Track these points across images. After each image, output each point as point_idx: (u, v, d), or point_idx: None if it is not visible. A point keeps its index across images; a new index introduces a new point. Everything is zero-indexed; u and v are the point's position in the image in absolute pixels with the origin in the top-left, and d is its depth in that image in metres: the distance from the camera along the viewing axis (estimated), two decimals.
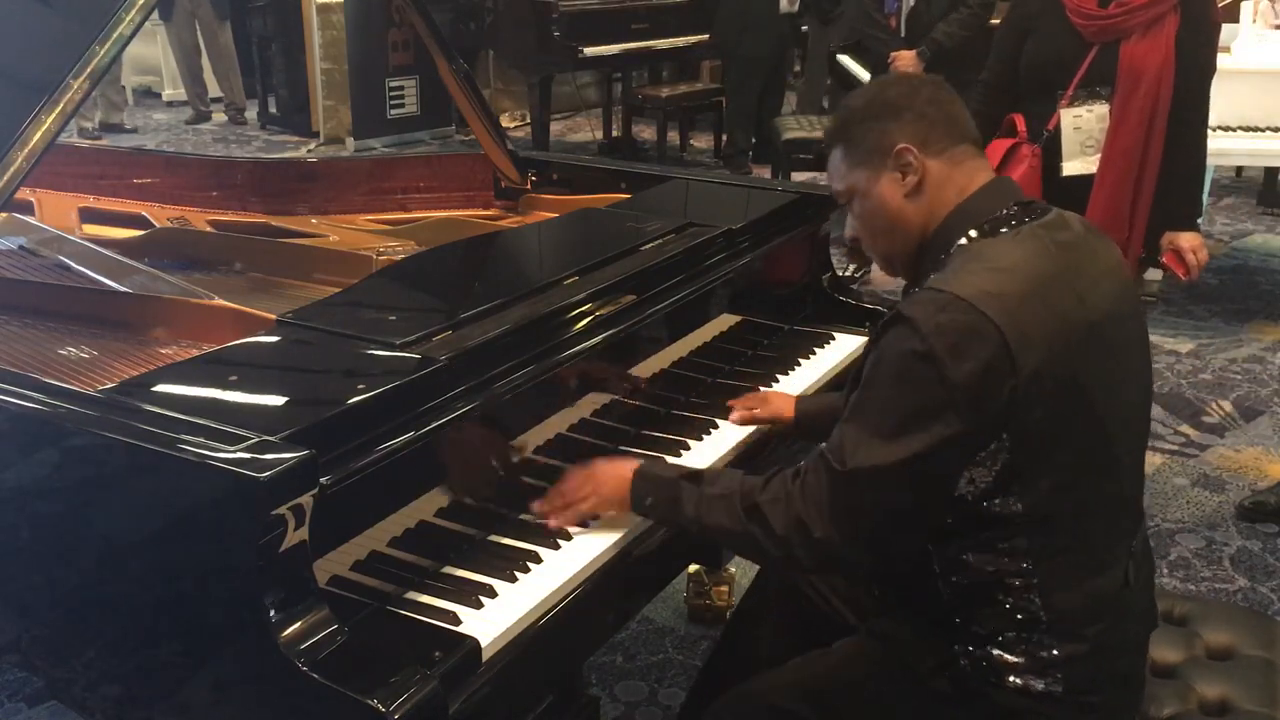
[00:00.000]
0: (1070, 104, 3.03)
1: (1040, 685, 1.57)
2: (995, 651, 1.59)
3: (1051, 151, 3.08)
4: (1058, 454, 1.54)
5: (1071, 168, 3.07)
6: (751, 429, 2.11)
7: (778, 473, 1.64)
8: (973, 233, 1.61)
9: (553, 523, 1.75)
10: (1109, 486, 1.62)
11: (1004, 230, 1.60)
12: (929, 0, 4.93)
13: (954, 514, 1.57)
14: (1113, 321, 1.60)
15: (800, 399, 2.14)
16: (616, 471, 1.78)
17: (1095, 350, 1.57)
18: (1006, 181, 1.69)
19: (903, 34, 4.98)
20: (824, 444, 1.60)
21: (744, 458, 2.06)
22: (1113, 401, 1.59)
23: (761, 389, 2.24)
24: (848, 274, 2.72)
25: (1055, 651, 1.57)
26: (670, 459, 1.93)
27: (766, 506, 1.60)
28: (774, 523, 1.59)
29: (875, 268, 5.41)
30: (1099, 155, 3.03)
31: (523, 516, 1.79)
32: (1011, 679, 1.58)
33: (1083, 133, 3.04)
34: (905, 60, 4.89)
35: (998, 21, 3.31)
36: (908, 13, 4.97)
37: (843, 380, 2.38)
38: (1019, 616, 1.57)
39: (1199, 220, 3.11)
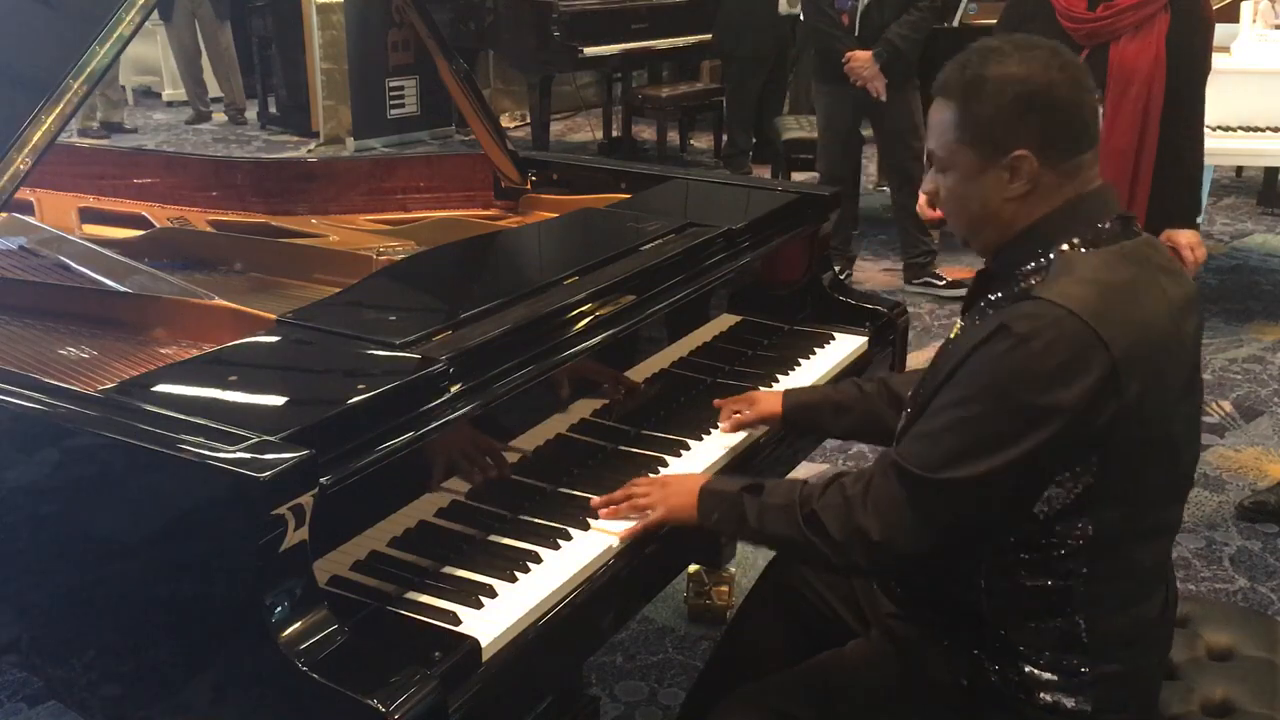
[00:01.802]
0: None
1: (1071, 704, 1.56)
2: (1029, 668, 1.57)
3: None
4: (1137, 482, 1.51)
5: None
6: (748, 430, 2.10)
7: (835, 479, 1.62)
8: (1075, 240, 1.53)
9: (604, 513, 1.77)
10: (1169, 515, 1.60)
11: (1107, 246, 1.53)
12: (880, 1, 4.95)
13: (1020, 532, 1.53)
14: (1193, 353, 1.58)
15: (788, 393, 2.11)
16: (685, 486, 1.78)
17: (1182, 382, 1.53)
18: (1109, 190, 1.60)
19: (856, 32, 4.98)
20: (893, 449, 1.57)
21: (743, 458, 2.06)
22: (1186, 433, 1.57)
23: (753, 389, 2.22)
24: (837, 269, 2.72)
25: (1089, 672, 1.56)
26: (726, 474, 1.92)
27: (823, 513, 1.59)
28: (831, 529, 1.57)
29: (857, 267, 5.42)
30: None
31: (522, 516, 1.79)
32: (1042, 696, 1.57)
33: None
34: (861, 60, 4.91)
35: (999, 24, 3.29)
36: (861, 11, 4.97)
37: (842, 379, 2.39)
38: (1061, 637, 1.56)
39: (1198, 219, 3.11)
